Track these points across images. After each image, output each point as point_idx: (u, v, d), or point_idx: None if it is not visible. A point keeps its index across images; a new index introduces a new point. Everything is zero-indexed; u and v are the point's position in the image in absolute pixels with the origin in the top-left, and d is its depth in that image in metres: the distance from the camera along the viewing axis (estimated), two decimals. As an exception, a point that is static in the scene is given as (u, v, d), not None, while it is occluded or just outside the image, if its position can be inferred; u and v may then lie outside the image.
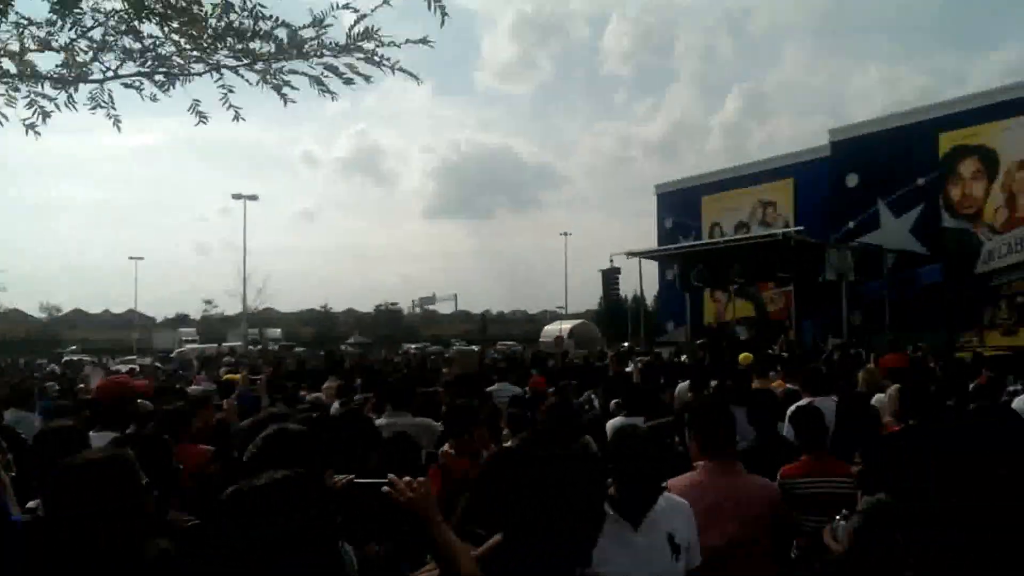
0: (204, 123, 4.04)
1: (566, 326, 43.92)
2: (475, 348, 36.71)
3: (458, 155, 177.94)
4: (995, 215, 21.72)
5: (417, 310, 76.00)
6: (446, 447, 4.54)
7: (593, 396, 8.88)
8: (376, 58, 3.70)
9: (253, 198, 42.80)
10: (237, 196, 42.19)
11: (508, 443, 4.90)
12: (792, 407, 5.15)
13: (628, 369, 11.48)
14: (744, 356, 10.64)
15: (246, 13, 3.57)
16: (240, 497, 1.74)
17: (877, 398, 6.30)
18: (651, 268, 31.26)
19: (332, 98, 4.20)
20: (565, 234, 55.84)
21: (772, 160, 30.58)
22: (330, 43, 3.71)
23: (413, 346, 49.26)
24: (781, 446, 4.51)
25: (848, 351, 14.83)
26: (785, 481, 3.93)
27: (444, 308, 72.09)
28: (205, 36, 3.78)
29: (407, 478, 2.13)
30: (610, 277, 28.63)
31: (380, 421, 5.46)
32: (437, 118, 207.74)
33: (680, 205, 33.21)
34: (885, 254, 23.07)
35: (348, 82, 3.87)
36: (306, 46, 3.72)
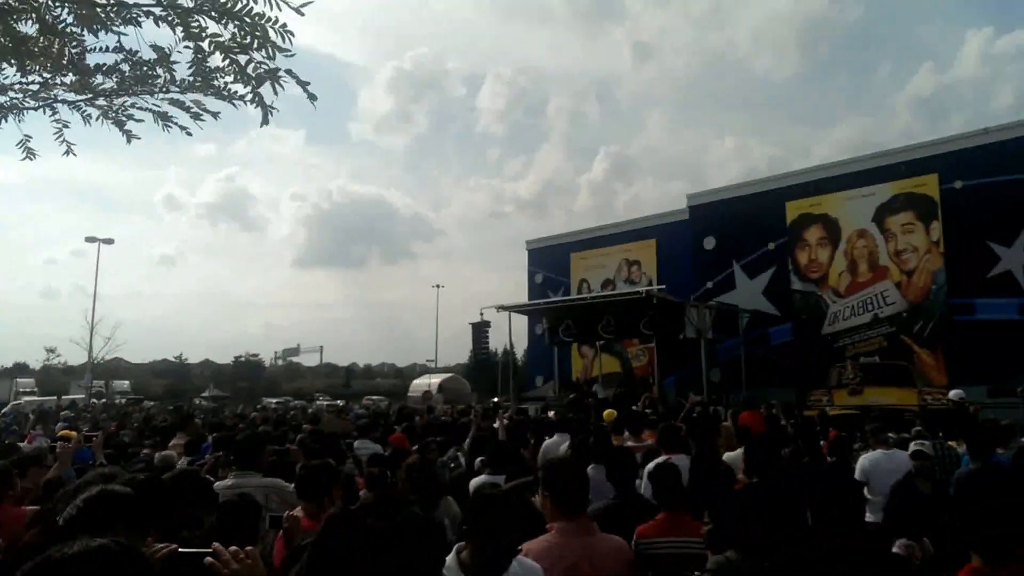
0: (31, 159, 3.73)
1: (435, 380, 43.54)
2: (339, 403, 35.66)
3: (330, 204, 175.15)
4: (839, 279, 23.53)
5: (279, 362, 73.03)
6: (296, 511, 4.25)
7: (459, 453, 8.72)
8: (226, 93, 3.53)
9: (108, 241, 40.07)
10: (91, 239, 39.41)
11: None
12: (650, 464, 5.24)
13: (495, 425, 11.40)
14: (608, 413, 10.79)
15: (81, 48, 3.33)
16: (43, 569, 1.50)
17: (733, 455, 6.54)
18: (521, 322, 31.61)
19: (184, 132, 3.99)
20: (437, 286, 55.97)
21: (636, 221, 31.97)
22: (179, 79, 3.52)
23: (274, 400, 47.09)
24: (639, 504, 4.54)
25: (707, 408, 15.45)
26: (641, 540, 3.95)
27: (309, 360, 69.77)
28: (39, 70, 3.50)
29: (233, 548, 1.94)
30: (480, 331, 28.70)
31: (225, 482, 5.06)
32: (310, 166, 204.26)
33: (550, 261, 34.00)
34: (740, 314, 24.45)
35: (196, 117, 3.68)
36: (151, 81, 3.50)
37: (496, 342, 33.46)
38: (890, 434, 7.95)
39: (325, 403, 40.17)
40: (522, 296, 33.43)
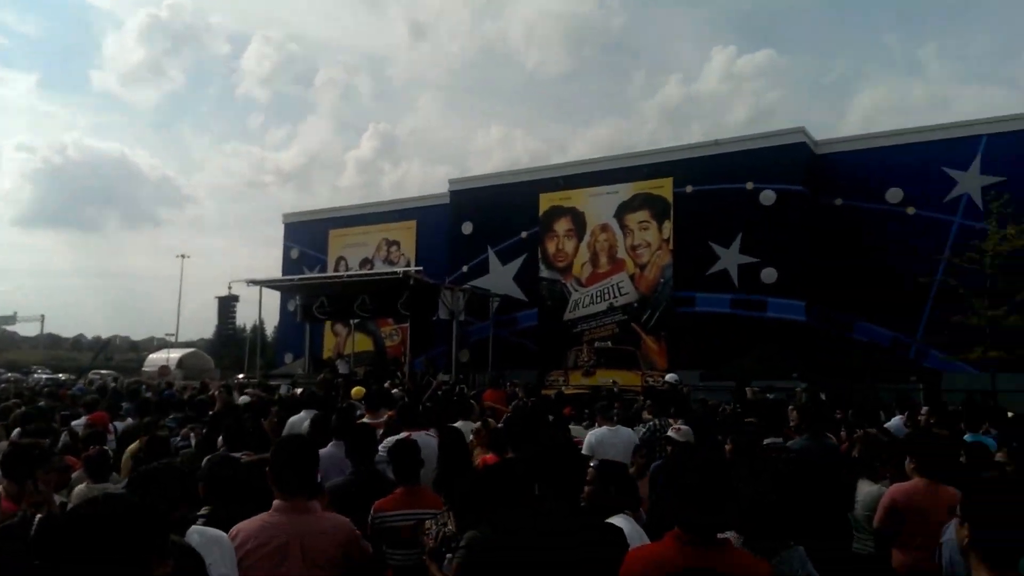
0: None
1: (175, 355, 40.20)
2: (61, 377, 31.58)
3: (63, 158, 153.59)
4: (581, 270, 25.28)
5: (-11, 330, 62.81)
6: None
7: (192, 431, 7.96)
8: None
9: None
10: None
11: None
12: (387, 440, 5.19)
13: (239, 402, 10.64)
14: (356, 390, 10.63)
15: None
16: None
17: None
18: (273, 298, 30.10)
19: None
20: (182, 256, 51.55)
21: (398, 201, 31.88)
22: None
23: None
24: (376, 479, 4.44)
25: (455, 387, 15.81)
26: (376, 515, 3.99)
27: (27, 330, 60.76)
28: None
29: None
30: (227, 305, 27.19)
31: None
32: (41, 115, 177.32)
33: (308, 236, 32.73)
34: (492, 298, 25.36)
35: None
36: None
37: (244, 317, 31.61)
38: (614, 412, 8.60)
39: (44, 376, 35.30)
40: (276, 271, 31.81)
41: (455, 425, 6.62)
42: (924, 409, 9.77)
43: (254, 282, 24.55)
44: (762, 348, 20.32)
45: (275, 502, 3.15)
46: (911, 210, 21.07)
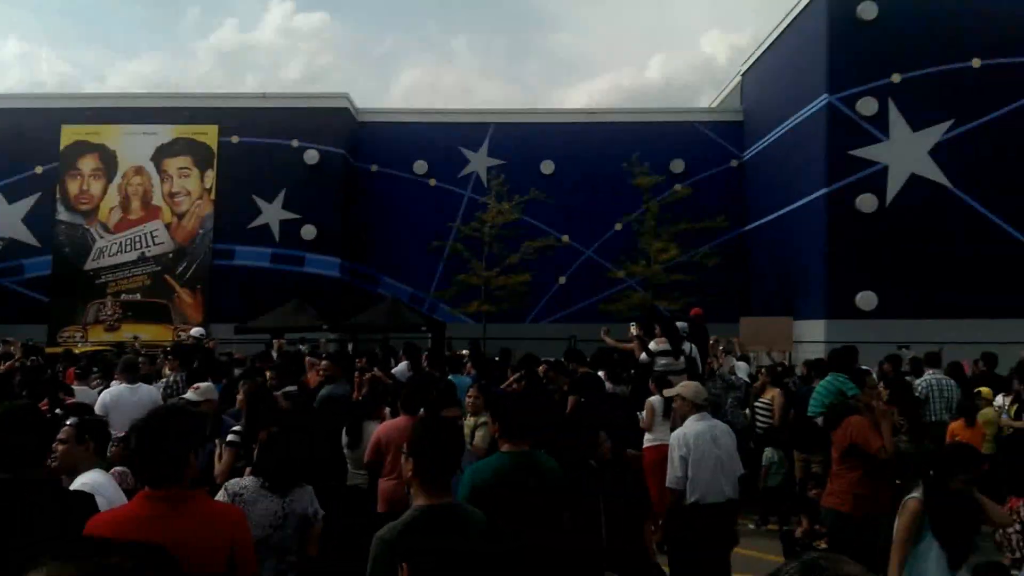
0: None
1: None
2: None
3: None
4: (109, 215, 22.96)
5: None
6: None
7: None
8: None
9: None
10: None
11: None
12: None
13: None
14: None
15: None
16: None
17: None
18: None
19: None
20: None
21: None
22: None
23: None
24: None
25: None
26: None
27: None
28: None
29: None
30: None
31: None
32: None
33: None
34: (-7, 241, 21.67)
35: None
36: None
37: None
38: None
39: None
40: None
41: None
42: (425, 355, 11.40)
43: None
44: (297, 302, 21.18)
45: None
46: (433, 182, 23.92)
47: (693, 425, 4.99)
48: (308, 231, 22.45)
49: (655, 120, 24.26)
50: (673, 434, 5.09)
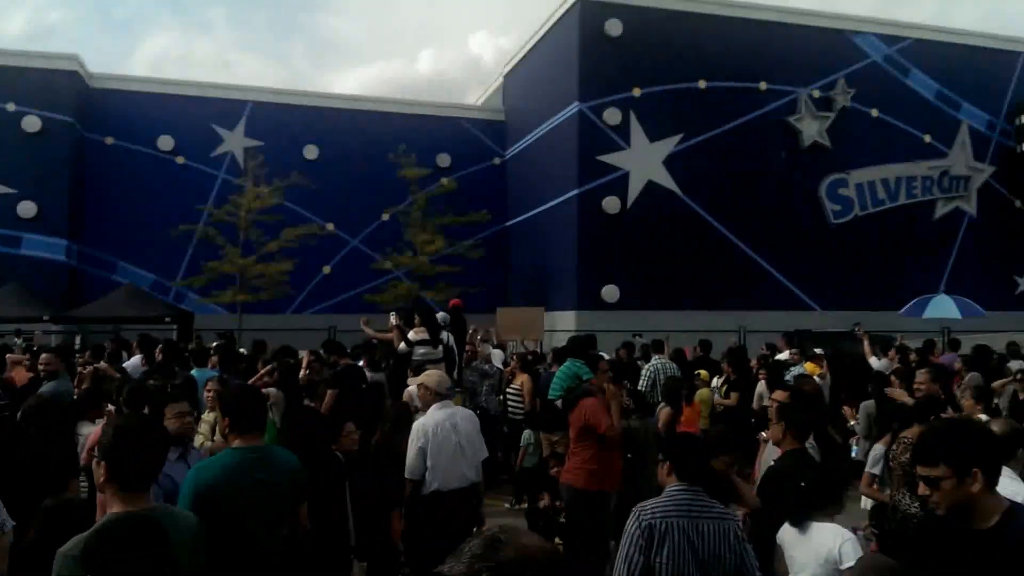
0: None
1: None
2: None
3: None
4: None
5: None
6: None
7: None
8: None
9: None
10: None
11: None
12: None
13: None
14: None
15: None
16: None
17: None
18: None
19: None
20: None
21: None
22: None
23: None
24: None
25: None
26: None
27: None
28: None
29: None
30: None
31: None
32: None
33: None
34: None
35: None
36: None
37: None
38: None
39: None
40: None
41: None
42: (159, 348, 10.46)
43: None
44: (13, 287, 18.46)
45: None
46: (181, 160, 22.04)
47: (434, 414, 5.07)
48: (26, 208, 19.62)
49: (423, 113, 24.44)
50: (414, 425, 5.14)
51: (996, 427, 3.66)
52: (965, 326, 14.28)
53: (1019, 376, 7.82)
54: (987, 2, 68.70)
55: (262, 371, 8.22)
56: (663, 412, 7.30)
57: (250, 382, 7.94)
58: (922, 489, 2.34)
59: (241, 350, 11.24)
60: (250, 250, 20.51)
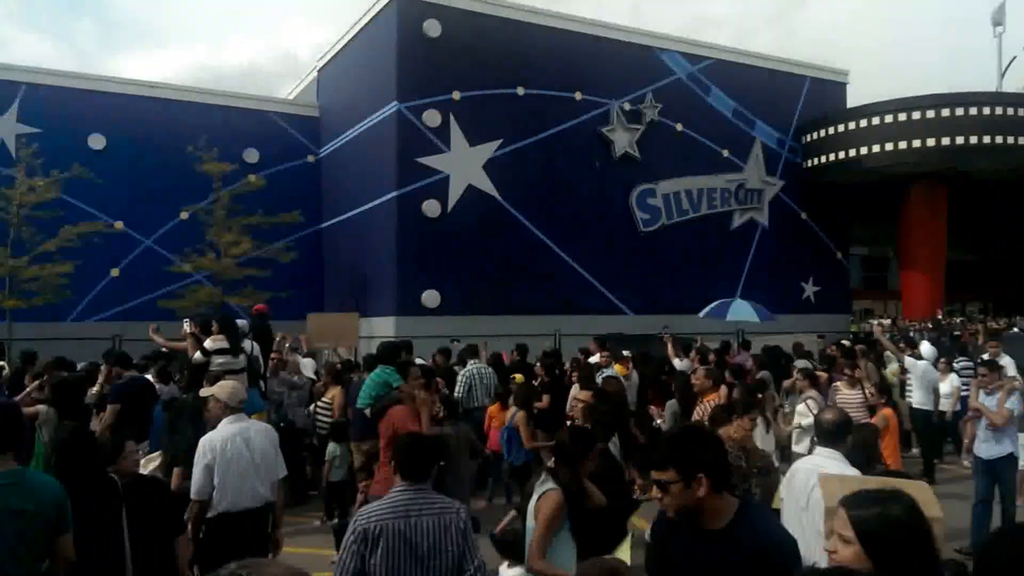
0: None
1: None
2: None
3: None
4: None
5: None
6: None
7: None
8: None
9: None
10: None
11: None
12: None
13: None
14: None
15: None
16: None
17: None
18: None
19: None
20: None
21: None
22: None
23: None
24: None
25: None
26: None
27: None
28: None
29: None
30: None
31: None
32: None
33: None
34: None
35: None
36: None
37: None
38: None
39: None
40: None
41: None
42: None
43: None
44: None
45: None
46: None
47: (224, 428, 4.56)
48: None
49: (228, 105, 22.86)
50: (200, 440, 4.60)
51: (828, 415, 3.90)
52: (757, 328, 15.52)
53: (800, 376, 8.56)
54: (781, 29, 76.62)
55: (30, 386, 7.69)
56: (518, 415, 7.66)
57: (18, 398, 7.17)
58: (654, 492, 2.48)
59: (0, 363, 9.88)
60: (22, 250, 18.10)
